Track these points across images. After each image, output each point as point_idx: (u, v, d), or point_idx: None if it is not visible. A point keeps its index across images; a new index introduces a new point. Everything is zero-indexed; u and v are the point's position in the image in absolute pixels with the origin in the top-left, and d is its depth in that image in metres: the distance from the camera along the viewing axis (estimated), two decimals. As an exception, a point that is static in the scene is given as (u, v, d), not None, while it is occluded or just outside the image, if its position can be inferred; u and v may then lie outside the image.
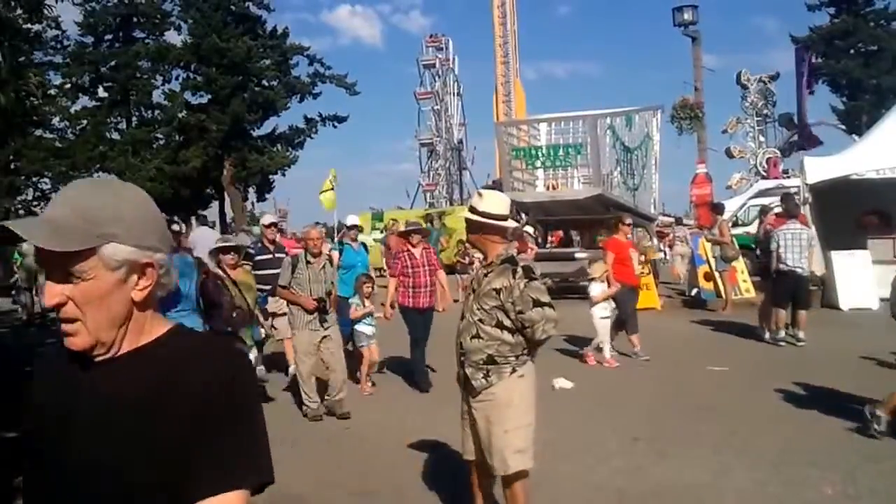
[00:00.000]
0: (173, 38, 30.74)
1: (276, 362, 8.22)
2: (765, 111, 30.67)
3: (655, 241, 16.59)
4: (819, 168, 12.45)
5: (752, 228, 14.52)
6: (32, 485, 1.28)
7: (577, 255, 14.41)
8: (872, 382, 6.48)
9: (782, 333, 9.18)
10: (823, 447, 5.06)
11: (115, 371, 1.21)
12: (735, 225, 16.40)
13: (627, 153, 15.87)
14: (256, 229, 17.12)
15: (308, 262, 6.36)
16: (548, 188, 15.49)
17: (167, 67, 30.18)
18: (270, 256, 7.94)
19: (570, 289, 13.24)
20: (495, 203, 3.57)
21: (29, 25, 12.71)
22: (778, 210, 10.61)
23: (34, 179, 27.05)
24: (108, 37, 30.33)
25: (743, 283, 12.99)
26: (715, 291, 12.83)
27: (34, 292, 13.14)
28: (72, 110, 28.77)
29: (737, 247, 12.63)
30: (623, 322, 8.57)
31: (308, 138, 31.86)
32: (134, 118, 30.71)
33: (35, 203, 25.79)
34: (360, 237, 9.30)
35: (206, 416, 1.17)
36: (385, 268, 12.45)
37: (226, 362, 1.25)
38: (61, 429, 1.21)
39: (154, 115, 30.73)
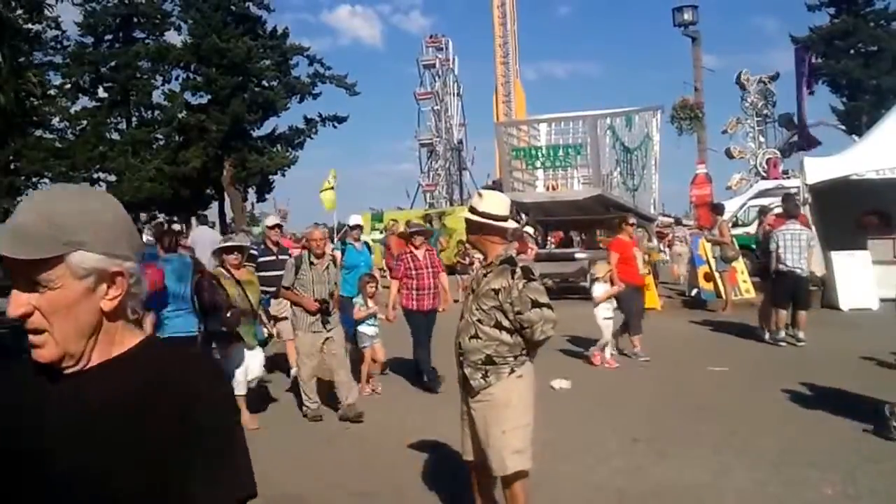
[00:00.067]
0: (173, 38, 30.81)
1: (278, 363, 8.21)
2: (765, 111, 30.69)
3: (655, 241, 16.59)
4: (819, 168, 12.46)
5: (752, 229, 14.51)
6: None
7: (577, 256, 14.44)
8: (873, 383, 6.50)
9: (782, 334, 9.17)
10: (824, 447, 5.06)
11: (85, 383, 1.17)
12: (735, 225, 16.39)
13: (627, 153, 15.87)
14: (256, 230, 17.09)
15: (311, 264, 6.34)
16: (548, 188, 15.48)
17: (167, 68, 30.17)
18: (274, 258, 7.80)
19: (570, 289, 13.26)
20: (495, 203, 3.56)
21: (29, 25, 12.74)
22: (778, 210, 10.62)
23: (34, 180, 26.95)
24: (108, 37, 30.32)
25: (743, 284, 12.99)
26: (715, 292, 12.83)
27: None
28: (72, 110, 28.76)
29: (737, 247, 12.65)
30: (627, 323, 8.58)
31: (308, 138, 31.89)
32: (134, 118, 30.68)
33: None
34: (362, 237, 9.26)
35: (184, 433, 1.14)
36: (385, 269, 12.43)
37: (202, 378, 1.23)
38: (28, 447, 1.16)
39: (154, 116, 30.70)
